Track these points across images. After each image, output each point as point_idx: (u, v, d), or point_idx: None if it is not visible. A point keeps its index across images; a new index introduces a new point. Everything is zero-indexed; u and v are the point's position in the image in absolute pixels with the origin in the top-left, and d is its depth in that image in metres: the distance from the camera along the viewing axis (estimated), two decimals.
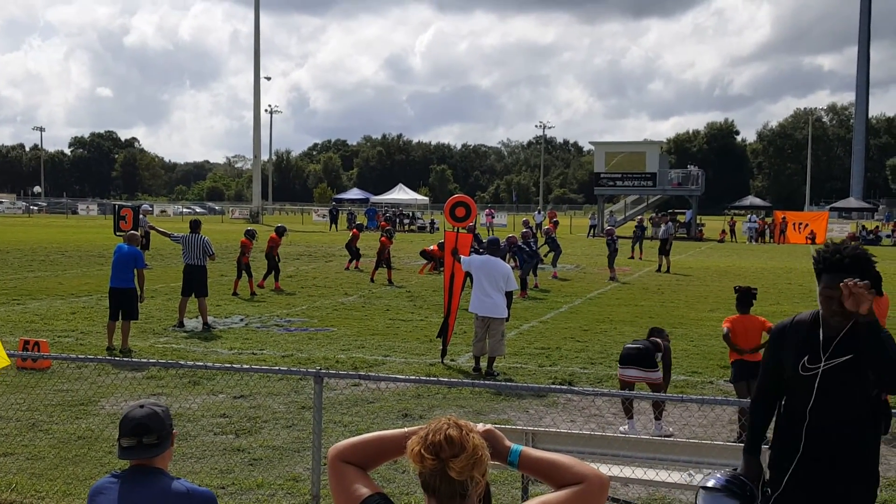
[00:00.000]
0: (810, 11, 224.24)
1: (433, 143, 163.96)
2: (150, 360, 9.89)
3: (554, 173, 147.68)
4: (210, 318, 14.87)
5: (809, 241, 44.39)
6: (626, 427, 8.70)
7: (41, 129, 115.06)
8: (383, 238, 23.16)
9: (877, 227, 54.47)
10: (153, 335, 13.81)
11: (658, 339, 9.12)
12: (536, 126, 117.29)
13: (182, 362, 8.57)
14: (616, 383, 10.95)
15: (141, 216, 25.39)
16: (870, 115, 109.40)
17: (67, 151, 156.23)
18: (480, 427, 2.24)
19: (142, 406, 3.20)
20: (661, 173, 53.74)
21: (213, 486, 6.92)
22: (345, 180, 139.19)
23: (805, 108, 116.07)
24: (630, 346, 9.12)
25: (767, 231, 49.78)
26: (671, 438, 7.82)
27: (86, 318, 15.27)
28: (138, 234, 13.88)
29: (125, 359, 9.93)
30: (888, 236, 50.17)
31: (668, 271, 26.60)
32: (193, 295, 14.63)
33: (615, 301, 19.49)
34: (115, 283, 12.35)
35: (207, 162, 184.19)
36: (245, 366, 9.32)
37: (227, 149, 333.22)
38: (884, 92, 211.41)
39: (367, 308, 17.62)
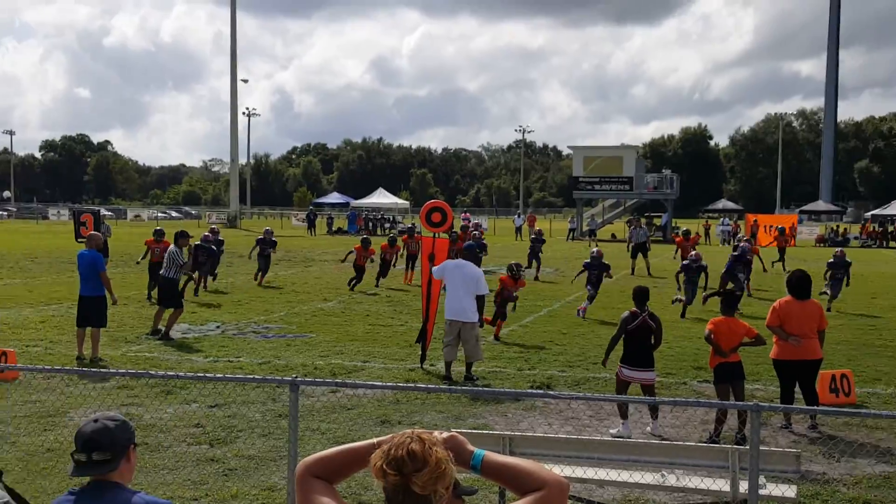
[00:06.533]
0: (793, 18, 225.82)
1: (414, 146, 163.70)
2: (120, 371, 9.73)
3: (534, 177, 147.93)
4: (185, 326, 14.69)
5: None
6: (620, 428, 8.66)
7: (11, 133, 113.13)
8: (383, 244, 22.98)
9: (845, 228, 55.32)
10: (125, 343, 13.59)
11: (653, 323, 9.00)
12: (516, 130, 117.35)
13: (153, 372, 8.43)
14: (595, 385, 10.93)
15: (103, 223, 25.32)
16: (838, 120, 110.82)
17: (38, 155, 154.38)
18: (444, 434, 2.24)
19: (95, 420, 3.07)
20: (638, 177, 54.00)
21: (185, 499, 6.80)
22: (325, 184, 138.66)
23: (776, 114, 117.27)
24: (638, 346, 8.97)
25: (741, 233, 50.24)
26: (644, 440, 7.84)
27: (55, 327, 15.01)
28: (99, 234, 13.70)
29: (94, 369, 9.75)
30: (856, 238, 50.95)
31: (648, 274, 26.69)
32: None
33: (594, 304, 19.46)
34: (83, 291, 12.23)
35: (183, 165, 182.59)
36: (218, 374, 9.17)
37: (206, 152, 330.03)
38: (856, 97, 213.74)
39: (347, 314, 17.49)
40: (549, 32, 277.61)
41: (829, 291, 18.84)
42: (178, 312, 14.36)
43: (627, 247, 30.23)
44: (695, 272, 18.24)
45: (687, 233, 26.65)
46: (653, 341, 9.05)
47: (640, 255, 27.85)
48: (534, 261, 25.75)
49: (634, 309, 9.11)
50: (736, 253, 19.71)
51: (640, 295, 9.26)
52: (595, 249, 18.69)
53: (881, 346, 14.41)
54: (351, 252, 21.88)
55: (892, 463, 7.93)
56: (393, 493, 2.09)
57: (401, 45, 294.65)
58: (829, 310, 18.37)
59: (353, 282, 21.53)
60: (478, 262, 12.31)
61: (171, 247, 14.86)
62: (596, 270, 18.01)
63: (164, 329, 14.08)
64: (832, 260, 19.18)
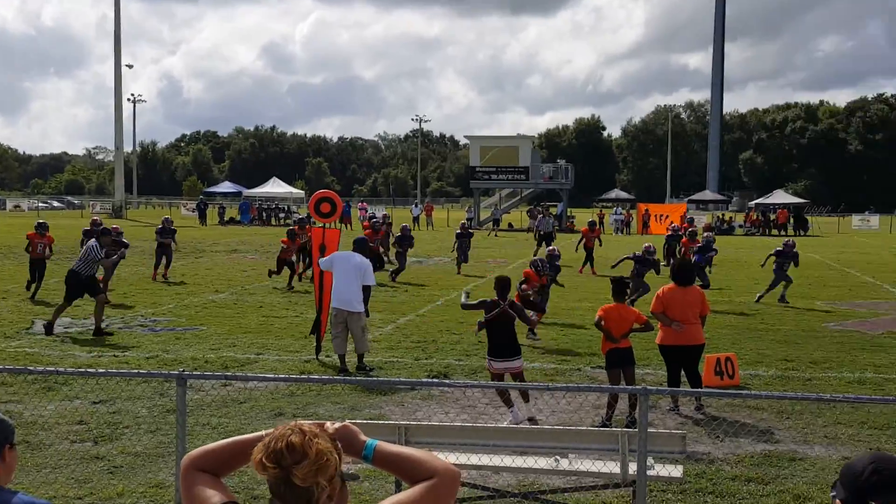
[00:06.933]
0: (681, 12, 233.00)
1: (309, 135, 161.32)
2: None
3: (431, 167, 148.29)
4: (67, 320, 14.14)
5: (669, 231, 46.62)
6: (510, 416, 8.74)
7: None
8: (284, 239, 21.13)
9: (731, 217, 57.68)
10: (4, 339, 12.93)
11: (513, 312, 9.06)
12: (413, 119, 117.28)
13: (33, 368, 8.03)
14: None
15: None
16: (724, 112, 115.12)
17: None
18: (336, 425, 2.22)
19: None
20: (534, 167, 54.82)
21: (69, 497, 6.53)
22: (216, 173, 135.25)
23: (665, 105, 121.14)
24: (500, 337, 9.05)
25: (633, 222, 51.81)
26: (538, 426, 7.95)
27: None
28: None
29: None
30: (741, 226, 53.30)
31: None
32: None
33: (492, 292, 19.64)
34: None
35: (66, 153, 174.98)
36: (102, 370, 8.81)
37: (90, 140, 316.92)
38: (741, 89, 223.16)
39: (239, 305, 17.10)
40: (445, 21, 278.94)
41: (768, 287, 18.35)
42: (87, 303, 13.92)
43: (535, 236, 30.87)
44: (650, 266, 17.47)
45: (593, 224, 27.28)
46: (515, 327, 9.03)
47: (544, 244, 28.45)
48: (460, 254, 25.15)
49: (496, 298, 9.18)
50: (700, 244, 19.83)
51: (502, 285, 9.32)
52: (553, 248, 17.21)
53: (763, 329, 15.07)
54: (284, 249, 20.40)
55: (773, 442, 8.29)
56: (275, 485, 2.07)
57: (294, 31, 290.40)
58: (782, 299, 18.03)
59: (290, 276, 20.18)
60: (367, 255, 12.21)
61: (92, 242, 14.15)
62: (553, 272, 16.10)
63: (52, 318, 13.61)
64: (781, 248, 18.50)
